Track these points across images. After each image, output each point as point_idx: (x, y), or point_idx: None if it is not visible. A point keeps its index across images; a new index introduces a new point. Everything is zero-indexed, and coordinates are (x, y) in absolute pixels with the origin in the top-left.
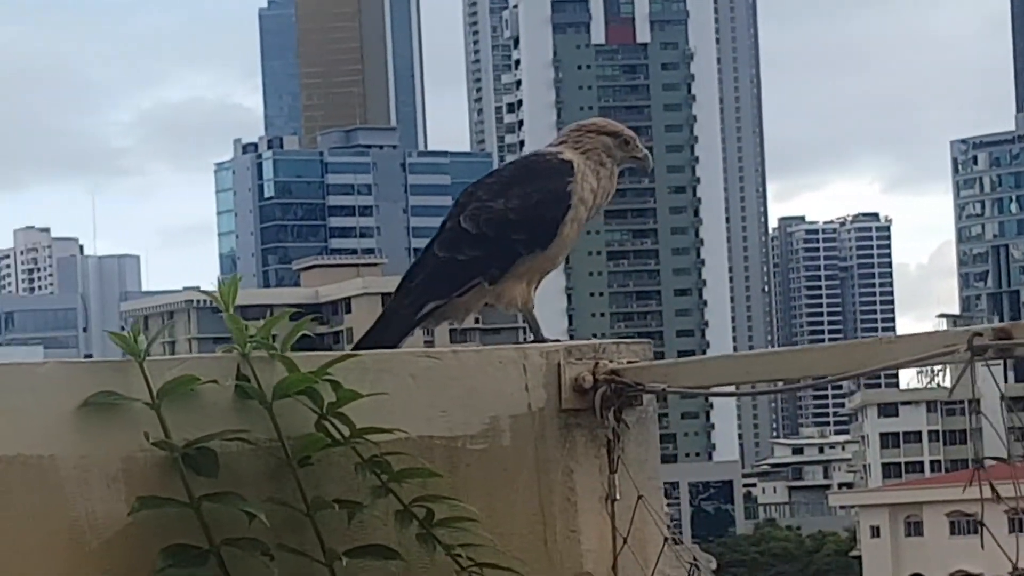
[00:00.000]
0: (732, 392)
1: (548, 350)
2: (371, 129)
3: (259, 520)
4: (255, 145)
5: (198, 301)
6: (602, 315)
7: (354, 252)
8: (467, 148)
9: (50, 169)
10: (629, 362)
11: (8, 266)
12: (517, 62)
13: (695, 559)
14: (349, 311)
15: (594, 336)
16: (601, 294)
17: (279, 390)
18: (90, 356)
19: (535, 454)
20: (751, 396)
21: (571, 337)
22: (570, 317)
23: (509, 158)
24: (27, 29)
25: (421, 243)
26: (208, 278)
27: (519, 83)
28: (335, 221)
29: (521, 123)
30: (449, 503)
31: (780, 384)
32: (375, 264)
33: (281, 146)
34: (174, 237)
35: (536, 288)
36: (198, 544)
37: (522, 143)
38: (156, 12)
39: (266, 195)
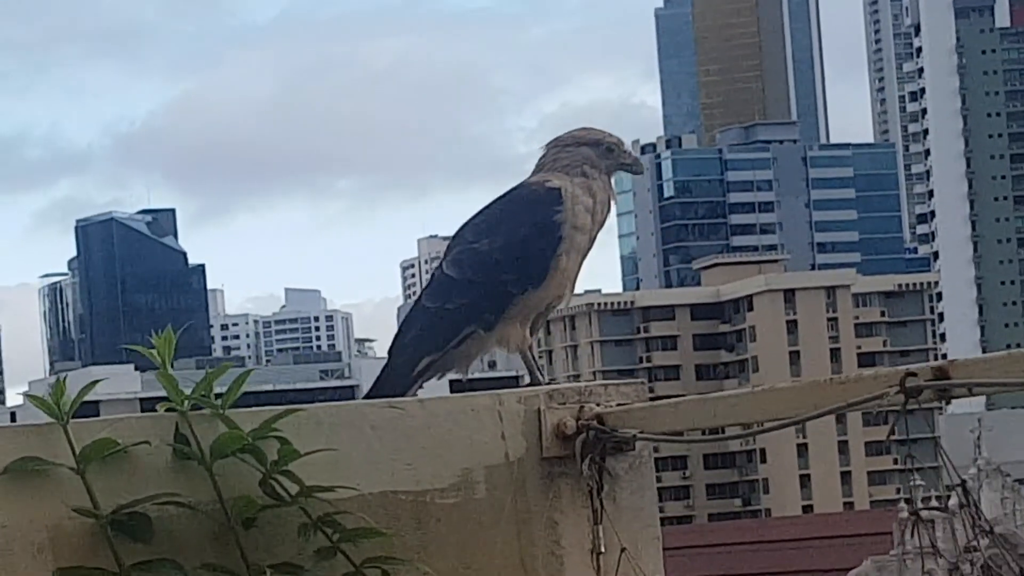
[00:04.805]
0: (699, 439)
1: (527, 395)
2: (771, 124)
3: None
4: (653, 146)
5: (599, 304)
6: (1014, 304)
7: (755, 249)
8: (870, 139)
9: (454, 176)
10: (618, 405)
11: (413, 275)
12: (919, 49)
13: None
14: (751, 309)
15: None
16: (1012, 283)
17: (216, 449)
18: (494, 363)
19: (514, 506)
20: (717, 441)
21: (981, 330)
22: (980, 308)
23: (913, 148)
24: (434, 40)
25: (825, 238)
26: (609, 280)
27: (921, 71)
28: (736, 218)
29: (924, 111)
30: (408, 563)
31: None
32: (777, 261)
33: (680, 145)
34: None
35: (540, 326)
36: None
37: (926, 132)
38: (555, 18)
39: (666, 195)
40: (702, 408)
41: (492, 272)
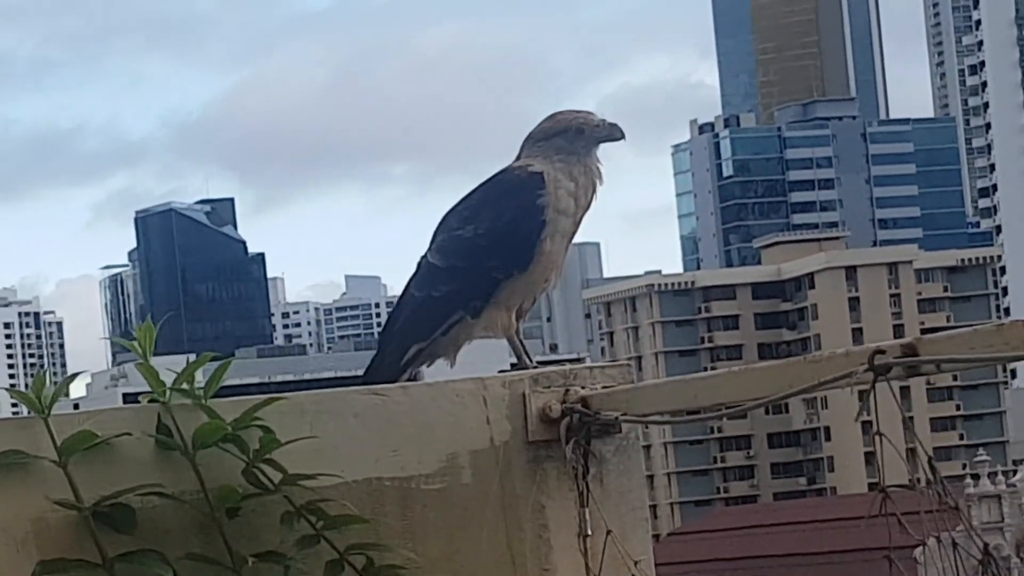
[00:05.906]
0: (681, 419)
1: (511, 379)
2: (829, 101)
3: None
4: (711, 125)
5: (659, 285)
6: None
7: (816, 227)
8: (930, 114)
9: (511, 159)
10: (604, 387)
11: None
12: (978, 22)
13: None
14: (813, 287)
15: None
16: None
17: (198, 440)
18: (555, 346)
19: (500, 490)
20: (697, 422)
21: None
22: None
23: (974, 121)
24: (489, 23)
25: (886, 214)
26: (670, 261)
27: (980, 44)
28: (796, 196)
29: (984, 84)
30: (393, 549)
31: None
32: (838, 238)
33: (738, 124)
34: (634, 222)
35: (527, 310)
36: None
37: (986, 105)
38: None
39: (725, 174)
40: (684, 389)
41: (477, 258)
